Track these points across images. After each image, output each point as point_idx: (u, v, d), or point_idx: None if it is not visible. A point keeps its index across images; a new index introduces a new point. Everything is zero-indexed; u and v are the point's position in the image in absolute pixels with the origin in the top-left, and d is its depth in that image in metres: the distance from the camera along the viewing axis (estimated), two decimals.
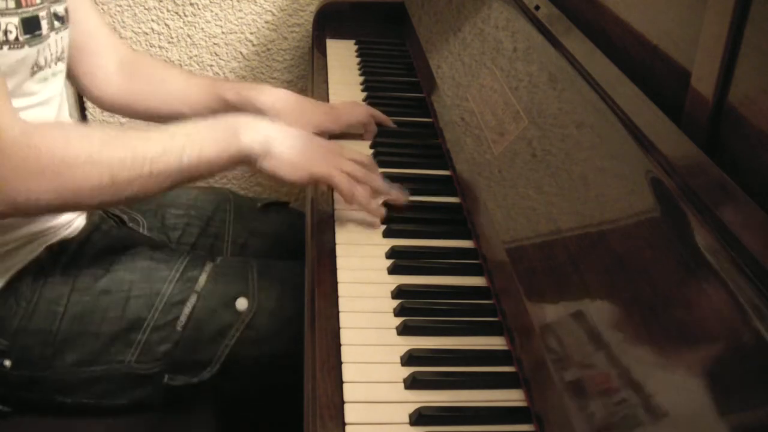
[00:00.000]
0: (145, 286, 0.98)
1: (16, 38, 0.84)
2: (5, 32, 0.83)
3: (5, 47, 0.83)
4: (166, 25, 1.70)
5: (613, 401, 0.58)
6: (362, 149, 1.13)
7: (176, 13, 1.69)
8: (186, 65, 1.75)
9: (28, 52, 0.87)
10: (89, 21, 1.10)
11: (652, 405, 0.55)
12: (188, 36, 1.72)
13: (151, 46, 1.72)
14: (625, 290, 0.63)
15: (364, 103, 1.24)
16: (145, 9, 1.68)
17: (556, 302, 0.70)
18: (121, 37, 1.69)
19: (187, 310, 0.97)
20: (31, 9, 0.87)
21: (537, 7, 1.04)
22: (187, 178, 0.89)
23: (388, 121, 1.19)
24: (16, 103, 0.84)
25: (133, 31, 1.70)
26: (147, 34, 1.71)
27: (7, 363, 0.95)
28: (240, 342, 0.98)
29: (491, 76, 1.02)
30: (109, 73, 1.13)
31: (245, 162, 0.91)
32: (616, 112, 0.76)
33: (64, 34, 0.97)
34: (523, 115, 0.90)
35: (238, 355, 0.99)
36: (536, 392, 0.70)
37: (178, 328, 0.97)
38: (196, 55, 1.74)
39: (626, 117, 0.74)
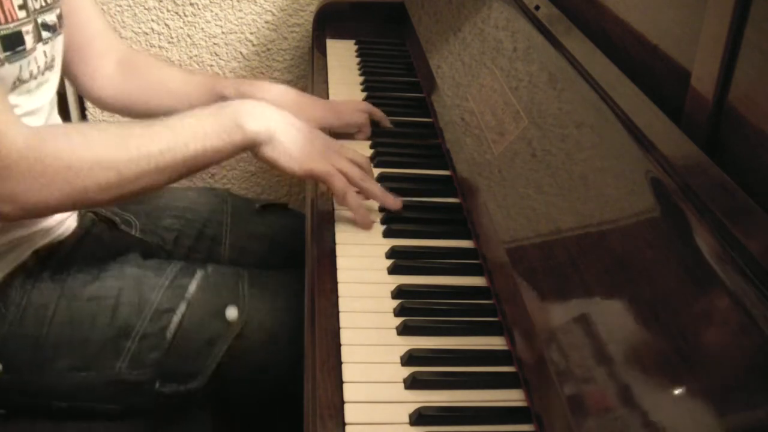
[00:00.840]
0: (134, 293, 0.97)
1: None
2: None
3: None
4: (166, 25, 1.70)
5: (613, 402, 0.58)
6: (362, 149, 1.13)
7: (176, 13, 1.69)
8: (186, 65, 1.75)
9: (8, 69, 0.85)
10: (92, 24, 1.09)
11: (652, 405, 0.55)
12: (188, 36, 1.72)
13: (151, 46, 1.72)
14: (625, 290, 0.63)
15: (363, 101, 1.24)
16: (145, 9, 1.68)
17: (556, 302, 0.70)
18: (121, 37, 1.69)
19: (176, 318, 0.96)
20: (12, 25, 0.84)
21: (537, 7, 1.04)
22: (194, 168, 0.90)
23: (386, 120, 1.19)
24: None
25: (133, 31, 1.70)
26: (147, 34, 1.71)
27: None
28: (230, 352, 0.97)
29: (491, 76, 1.02)
30: (108, 74, 1.13)
31: (249, 148, 0.91)
32: (616, 112, 0.76)
33: (56, 42, 0.95)
34: (523, 115, 0.90)
35: (228, 366, 0.98)
36: (536, 392, 0.70)
37: (168, 336, 0.96)
38: (196, 55, 1.74)
39: (626, 117, 0.74)
